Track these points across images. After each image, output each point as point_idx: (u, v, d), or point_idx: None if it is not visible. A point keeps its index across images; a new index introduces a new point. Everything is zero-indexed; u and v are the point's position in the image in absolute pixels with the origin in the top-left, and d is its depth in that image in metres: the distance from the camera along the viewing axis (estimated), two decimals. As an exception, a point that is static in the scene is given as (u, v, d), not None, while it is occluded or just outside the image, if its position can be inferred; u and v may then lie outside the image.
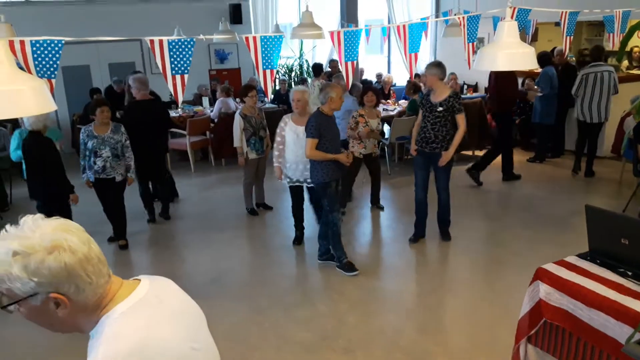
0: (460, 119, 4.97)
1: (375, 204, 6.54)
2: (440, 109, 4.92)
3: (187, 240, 5.75)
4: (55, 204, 4.81)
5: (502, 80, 6.88)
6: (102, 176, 5.20)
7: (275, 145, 5.18)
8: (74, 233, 1.18)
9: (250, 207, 6.38)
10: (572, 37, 4.85)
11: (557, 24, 5.43)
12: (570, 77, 7.93)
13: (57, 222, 1.20)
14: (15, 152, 5.55)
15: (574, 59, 8.50)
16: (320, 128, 4.50)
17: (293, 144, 5.03)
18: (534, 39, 8.48)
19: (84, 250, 1.17)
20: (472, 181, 7.32)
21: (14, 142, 5.61)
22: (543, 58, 7.55)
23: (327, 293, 4.53)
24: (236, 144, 6.00)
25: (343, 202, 6.09)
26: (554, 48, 8.58)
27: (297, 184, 5.20)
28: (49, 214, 1.28)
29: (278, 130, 5.11)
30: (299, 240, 5.50)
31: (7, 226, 1.17)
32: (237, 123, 5.94)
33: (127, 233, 5.61)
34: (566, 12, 4.85)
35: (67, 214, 4.90)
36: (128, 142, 5.29)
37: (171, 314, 1.31)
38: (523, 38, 4.25)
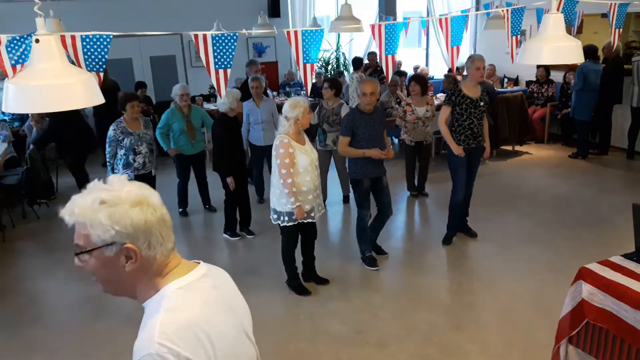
0: (486, 111, 5.10)
1: (420, 191, 6.74)
2: (482, 103, 4.88)
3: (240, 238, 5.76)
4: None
5: None
6: (141, 172, 5.29)
7: (285, 178, 3.96)
8: (156, 195, 1.29)
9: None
10: (621, 29, 4.67)
11: (604, 15, 5.25)
12: (618, 71, 7.65)
13: (141, 184, 1.29)
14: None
15: (620, 51, 8.16)
16: (353, 126, 4.43)
17: (309, 166, 4.07)
18: (579, 32, 8.22)
19: (162, 211, 1.27)
20: (508, 177, 7.17)
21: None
22: (586, 52, 7.29)
23: (362, 288, 4.53)
24: (314, 121, 5.98)
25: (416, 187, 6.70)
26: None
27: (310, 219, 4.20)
28: None
29: (287, 160, 3.93)
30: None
31: (96, 180, 1.27)
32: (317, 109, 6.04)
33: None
34: (615, 3, 4.68)
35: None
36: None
37: (225, 301, 1.36)
38: (568, 31, 4.12)
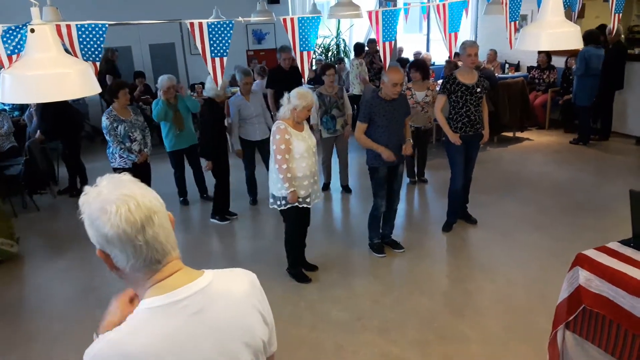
0: (486, 97, 5.07)
1: (420, 177, 6.76)
2: (479, 89, 4.85)
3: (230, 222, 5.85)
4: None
5: None
6: (137, 158, 5.35)
7: (280, 164, 3.98)
8: (139, 203, 1.19)
9: (327, 181, 6.58)
10: (620, 14, 4.63)
11: None
12: (620, 56, 7.59)
13: (131, 186, 1.20)
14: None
15: (622, 36, 8.10)
16: (372, 112, 4.37)
17: (306, 152, 4.06)
18: (580, 16, 8.14)
19: (124, 227, 1.16)
20: (509, 164, 7.17)
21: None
22: (587, 38, 7.24)
23: (362, 274, 4.55)
24: (312, 121, 6.03)
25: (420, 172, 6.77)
26: (601, 25, 8.20)
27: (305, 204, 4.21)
28: None
29: (283, 146, 3.94)
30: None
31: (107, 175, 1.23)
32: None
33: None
34: (615, -13, 4.62)
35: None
36: (146, 122, 5.49)
37: (204, 328, 1.22)
38: (569, 15, 4.08)
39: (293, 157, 3.99)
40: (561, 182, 6.51)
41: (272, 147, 4.00)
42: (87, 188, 1.20)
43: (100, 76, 9.17)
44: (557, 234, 5.02)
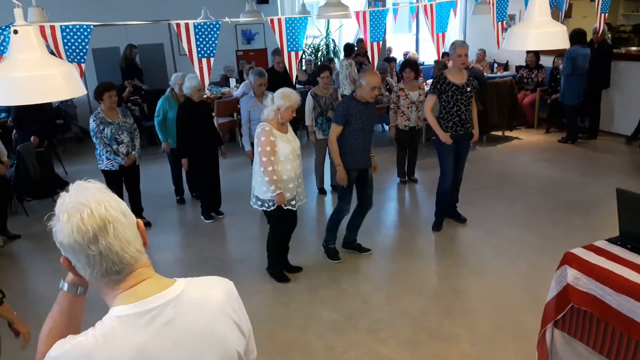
0: (475, 97, 5.12)
1: (410, 177, 6.77)
2: (469, 89, 4.87)
3: (214, 221, 5.83)
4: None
5: None
6: (125, 160, 5.29)
7: (266, 166, 3.95)
8: (96, 214, 1.16)
9: (320, 186, 6.51)
10: (606, 14, 4.67)
11: (592, -1, 5.23)
12: (606, 56, 7.66)
13: (92, 195, 1.17)
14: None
15: (609, 35, 8.18)
16: (348, 115, 4.31)
17: (291, 155, 4.05)
18: (567, 16, 8.21)
19: (76, 237, 1.14)
20: (498, 163, 7.21)
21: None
22: (573, 37, 7.30)
23: (352, 275, 4.55)
24: (307, 122, 6.05)
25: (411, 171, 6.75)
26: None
27: (290, 207, 4.19)
28: None
29: (268, 148, 3.90)
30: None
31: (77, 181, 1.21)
32: (308, 102, 5.96)
33: (153, 213, 5.74)
34: (601, -13, 4.66)
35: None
36: (135, 124, 5.43)
37: (174, 339, 1.18)
38: (556, 15, 4.11)
39: (278, 160, 3.96)
40: (550, 180, 6.55)
41: (257, 149, 3.97)
42: (62, 194, 1.18)
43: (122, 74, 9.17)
44: (545, 233, 5.06)
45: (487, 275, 4.38)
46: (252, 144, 5.60)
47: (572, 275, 2.68)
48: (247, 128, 5.70)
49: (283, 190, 4.02)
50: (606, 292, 2.50)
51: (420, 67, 10.23)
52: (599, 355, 2.62)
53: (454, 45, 4.78)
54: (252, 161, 5.91)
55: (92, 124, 5.12)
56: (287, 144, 4.00)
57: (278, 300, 4.17)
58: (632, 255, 2.61)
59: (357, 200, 4.75)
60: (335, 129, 4.39)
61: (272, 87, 5.92)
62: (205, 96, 8.69)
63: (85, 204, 1.13)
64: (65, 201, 1.15)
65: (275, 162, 3.94)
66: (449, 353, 3.45)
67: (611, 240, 2.78)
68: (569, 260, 2.72)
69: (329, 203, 6.34)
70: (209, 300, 1.26)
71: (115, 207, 1.16)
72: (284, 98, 3.92)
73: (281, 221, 4.26)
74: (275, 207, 4.09)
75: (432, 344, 3.54)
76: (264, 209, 4.15)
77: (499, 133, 8.56)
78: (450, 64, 5.39)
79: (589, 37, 7.76)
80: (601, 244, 2.77)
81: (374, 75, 4.26)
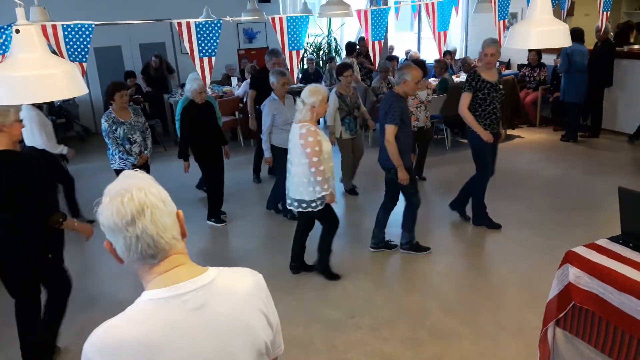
0: None
1: (418, 176, 6.67)
2: (501, 86, 4.87)
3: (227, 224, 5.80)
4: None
5: None
6: (137, 160, 5.25)
7: (317, 166, 3.92)
8: (134, 199, 1.24)
9: (350, 187, 6.41)
10: (609, 12, 4.66)
11: (595, -3, 5.22)
12: (608, 54, 7.64)
13: (138, 185, 1.24)
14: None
15: (611, 34, 8.15)
16: (402, 113, 4.26)
17: (330, 153, 4.10)
18: (569, 14, 8.20)
19: (117, 220, 1.21)
20: (500, 161, 7.18)
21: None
22: (572, 35, 7.27)
23: (354, 273, 4.55)
24: (329, 122, 5.94)
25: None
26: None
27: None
28: None
29: (317, 148, 3.89)
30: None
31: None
32: (332, 102, 5.68)
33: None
34: (603, -15, 4.66)
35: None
36: (147, 123, 5.40)
37: (204, 324, 1.23)
38: (558, 13, 4.11)
39: (324, 159, 3.95)
40: (552, 179, 6.54)
41: (305, 150, 3.87)
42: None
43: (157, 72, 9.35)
44: (547, 231, 5.05)
45: (489, 274, 4.38)
46: (274, 148, 5.41)
47: (573, 273, 2.68)
48: (269, 134, 5.38)
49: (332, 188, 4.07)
50: (608, 291, 2.50)
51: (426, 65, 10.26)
52: (600, 354, 2.62)
53: (483, 44, 4.78)
54: (270, 167, 5.82)
55: (104, 124, 5.05)
56: (328, 143, 4.04)
57: (280, 299, 4.14)
58: (634, 253, 2.61)
59: (388, 199, 4.78)
60: (393, 130, 4.28)
61: (263, 88, 5.72)
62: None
63: (127, 189, 1.20)
64: (112, 187, 1.22)
65: (323, 161, 3.94)
66: (450, 351, 3.45)
67: (613, 239, 2.78)
68: (571, 258, 2.71)
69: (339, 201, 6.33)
70: (239, 290, 1.31)
71: (156, 194, 1.23)
72: (314, 94, 3.90)
73: (330, 219, 4.28)
74: (322, 207, 4.08)
75: (434, 342, 3.54)
76: (310, 209, 4.09)
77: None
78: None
79: (591, 37, 7.73)
80: (603, 242, 2.77)
81: (417, 69, 4.29)
